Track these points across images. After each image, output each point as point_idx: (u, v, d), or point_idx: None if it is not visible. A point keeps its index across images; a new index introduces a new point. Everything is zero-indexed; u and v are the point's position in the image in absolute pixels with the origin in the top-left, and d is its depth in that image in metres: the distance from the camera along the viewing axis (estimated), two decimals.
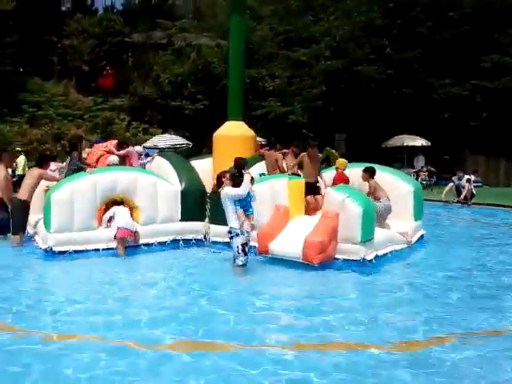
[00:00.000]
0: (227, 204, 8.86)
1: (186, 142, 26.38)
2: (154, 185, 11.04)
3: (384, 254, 9.88)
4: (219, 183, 9.31)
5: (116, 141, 14.14)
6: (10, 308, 6.82)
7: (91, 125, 30.46)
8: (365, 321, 6.46)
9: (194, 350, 5.47)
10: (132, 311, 6.74)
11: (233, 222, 8.80)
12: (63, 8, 42.20)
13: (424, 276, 8.86)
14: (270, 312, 6.81)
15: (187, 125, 31.05)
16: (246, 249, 8.84)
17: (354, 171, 11.92)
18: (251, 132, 13.36)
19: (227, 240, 9.45)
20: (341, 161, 12.26)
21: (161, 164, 12.44)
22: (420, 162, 28.61)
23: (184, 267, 9.44)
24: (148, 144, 26.58)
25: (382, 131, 28.57)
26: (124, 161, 13.24)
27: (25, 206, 11.20)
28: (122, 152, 13.28)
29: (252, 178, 9.10)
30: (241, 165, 9.47)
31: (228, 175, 9.19)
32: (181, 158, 13.38)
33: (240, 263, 8.82)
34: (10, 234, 11.37)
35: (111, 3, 46.62)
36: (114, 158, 12.89)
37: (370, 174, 11.11)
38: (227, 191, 8.79)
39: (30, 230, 11.58)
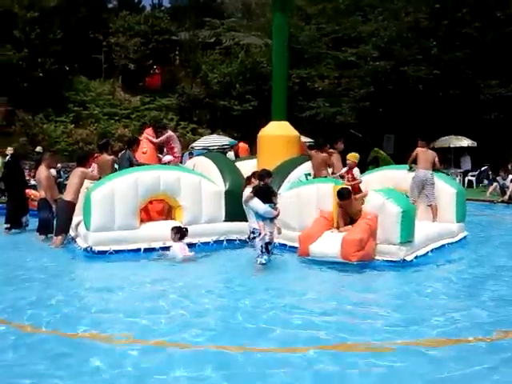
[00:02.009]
0: (247, 208, 8.86)
1: (234, 142, 26.08)
2: (197, 184, 10.79)
3: (425, 253, 9.83)
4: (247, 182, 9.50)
5: (150, 128, 13.95)
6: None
7: (138, 124, 30.39)
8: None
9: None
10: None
11: (254, 222, 8.74)
12: (110, 5, 42.47)
13: (463, 274, 8.92)
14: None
15: (236, 125, 30.83)
16: (270, 247, 8.74)
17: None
18: (295, 132, 13.10)
19: (277, 240, 9.56)
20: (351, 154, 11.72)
21: (205, 164, 12.23)
22: (467, 163, 28.01)
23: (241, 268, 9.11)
24: (196, 144, 26.55)
25: (428, 132, 27.97)
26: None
27: (69, 208, 10.99)
28: (162, 138, 13.14)
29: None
30: (262, 176, 9.26)
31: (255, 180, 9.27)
32: (225, 158, 13.17)
33: (263, 261, 8.72)
34: (51, 235, 11.26)
35: (158, 1, 46.50)
36: (169, 158, 12.76)
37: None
38: (250, 200, 8.74)
39: (71, 232, 11.29)
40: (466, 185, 26.01)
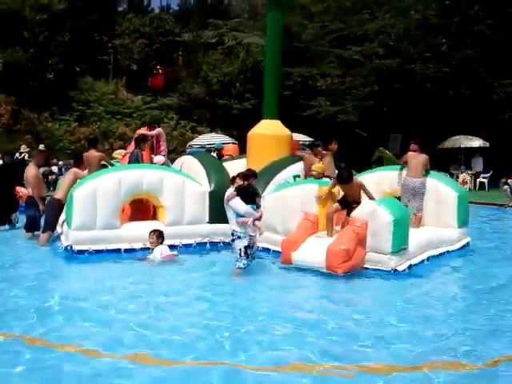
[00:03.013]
0: (227, 208, 8.57)
1: (232, 140, 25.97)
2: (181, 184, 10.62)
3: (420, 262, 9.30)
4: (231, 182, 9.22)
5: (146, 127, 13.89)
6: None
7: (139, 123, 30.45)
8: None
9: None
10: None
11: (234, 224, 8.45)
12: (120, 8, 42.74)
13: (458, 287, 8.41)
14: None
15: (235, 123, 30.80)
16: (249, 251, 8.40)
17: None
18: (287, 131, 12.73)
19: (260, 244, 9.45)
20: (316, 165, 11.13)
21: (192, 164, 12.03)
22: (478, 164, 27.49)
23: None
24: (193, 143, 26.50)
25: (437, 132, 27.66)
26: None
27: (57, 206, 10.96)
28: (153, 132, 13.11)
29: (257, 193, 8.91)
30: (246, 176, 9.00)
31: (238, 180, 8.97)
32: (212, 157, 13.00)
33: (242, 266, 8.39)
34: (38, 233, 11.22)
35: (167, 4, 46.76)
36: (160, 158, 12.61)
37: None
38: (230, 200, 8.49)
39: (58, 228, 11.13)
40: (477, 187, 25.68)
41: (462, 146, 27.13)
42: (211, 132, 29.93)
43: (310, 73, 31.20)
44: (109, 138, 29.31)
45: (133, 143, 12.87)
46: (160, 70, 37.38)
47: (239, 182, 8.91)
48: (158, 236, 9.54)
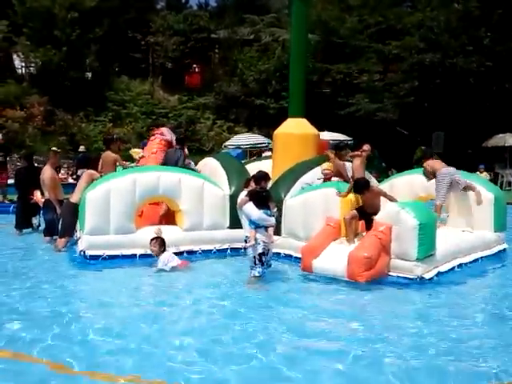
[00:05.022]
0: (240, 213, 8.13)
1: (267, 140, 25.54)
2: (200, 187, 10.14)
3: (449, 269, 8.62)
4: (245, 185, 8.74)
5: (165, 128, 13.49)
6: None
7: (176, 124, 30.21)
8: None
9: None
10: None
11: (247, 230, 7.98)
12: (158, 6, 42.74)
13: (489, 300, 7.65)
14: None
15: (272, 123, 30.30)
16: (264, 259, 7.91)
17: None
18: (313, 130, 12.17)
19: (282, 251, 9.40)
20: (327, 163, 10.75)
21: (212, 166, 11.62)
22: None
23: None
24: (229, 143, 26.14)
25: (482, 130, 26.74)
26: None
27: (74, 209, 10.41)
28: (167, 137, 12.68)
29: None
30: (258, 179, 8.44)
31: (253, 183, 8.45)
32: (233, 159, 12.54)
33: (257, 274, 7.91)
34: (56, 237, 10.86)
35: (205, 0, 46.44)
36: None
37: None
38: (243, 205, 7.99)
39: (78, 233, 10.64)
40: None
41: (507, 144, 26.20)
42: (248, 132, 29.61)
43: (349, 69, 30.58)
44: (144, 139, 29.09)
45: (149, 144, 12.77)
46: (197, 69, 37.03)
47: (253, 185, 8.45)
48: (161, 244, 8.98)
